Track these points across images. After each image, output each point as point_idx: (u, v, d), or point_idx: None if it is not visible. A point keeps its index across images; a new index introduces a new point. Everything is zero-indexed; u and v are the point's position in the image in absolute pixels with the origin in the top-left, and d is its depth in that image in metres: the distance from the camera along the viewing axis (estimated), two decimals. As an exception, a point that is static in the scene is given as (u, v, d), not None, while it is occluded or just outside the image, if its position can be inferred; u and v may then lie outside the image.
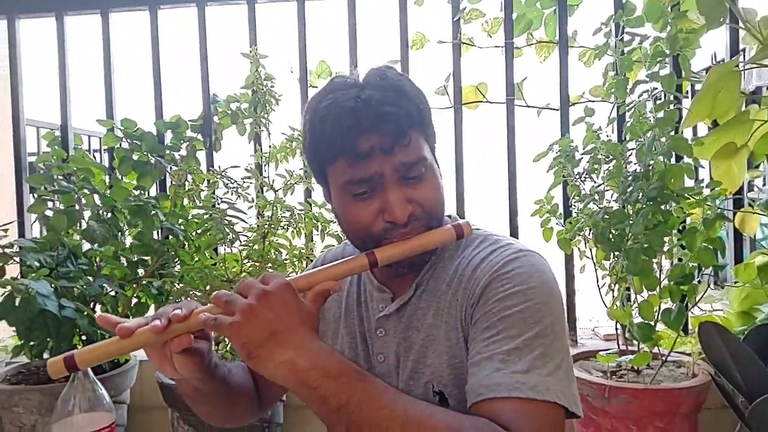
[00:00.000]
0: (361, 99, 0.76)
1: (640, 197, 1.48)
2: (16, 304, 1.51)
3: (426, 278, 0.84)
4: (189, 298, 1.84)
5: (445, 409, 0.66)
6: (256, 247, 1.85)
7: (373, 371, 0.85)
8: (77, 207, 1.85)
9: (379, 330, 0.86)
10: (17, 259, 1.73)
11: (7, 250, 1.66)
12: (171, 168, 2.04)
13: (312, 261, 1.93)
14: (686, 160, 1.67)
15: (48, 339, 1.71)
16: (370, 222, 0.78)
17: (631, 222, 1.50)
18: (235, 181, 1.86)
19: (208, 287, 1.74)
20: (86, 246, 1.95)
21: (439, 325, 0.80)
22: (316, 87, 2.11)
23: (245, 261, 1.87)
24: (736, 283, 1.71)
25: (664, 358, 1.61)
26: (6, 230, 1.68)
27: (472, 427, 0.63)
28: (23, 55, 2.30)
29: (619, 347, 1.74)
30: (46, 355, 1.81)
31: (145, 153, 2.02)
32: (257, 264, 1.86)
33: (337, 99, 0.77)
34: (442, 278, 0.83)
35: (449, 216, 0.90)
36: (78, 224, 1.91)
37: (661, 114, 1.57)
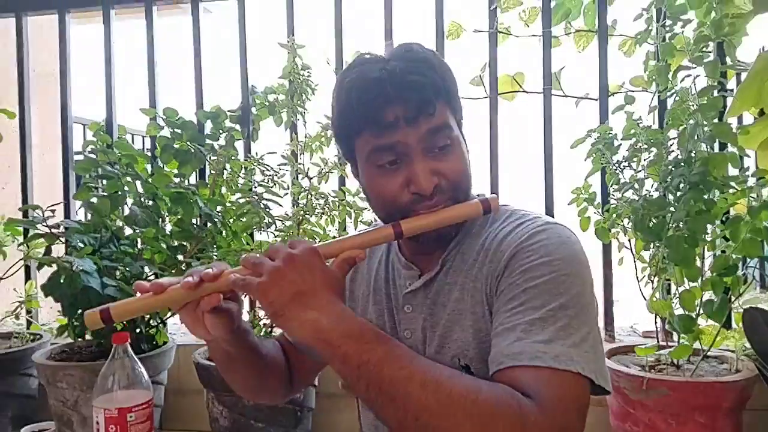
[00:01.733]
0: (386, 70, 0.76)
1: (681, 184, 1.44)
2: (61, 281, 1.57)
3: (452, 254, 0.85)
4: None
5: (464, 374, 0.65)
6: (290, 233, 1.88)
7: None
8: (120, 193, 1.92)
9: (406, 306, 0.87)
10: (63, 239, 1.80)
11: (53, 231, 1.73)
12: (210, 157, 2.09)
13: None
14: (730, 149, 1.62)
15: (90, 318, 1.77)
16: (396, 194, 0.79)
17: (672, 210, 1.46)
18: (271, 168, 1.89)
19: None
20: (128, 232, 2.01)
21: (465, 300, 0.81)
22: (352, 78, 2.13)
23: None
24: (784, 277, 1.64)
25: (705, 351, 1.56)
26: (53, 211, 1.75)
27: (490, 391, 0.62)
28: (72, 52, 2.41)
29: (659, 343, 1.69)
30: (88, 336, 1.87)
31: (185, 142, 2.07)
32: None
33: (363, 71, 0.78)
34: (468, 254, 0.83)
35: (478, 195, 0.89)
36: (121, 209, 1.98)
37: (704, 100, 1.52)
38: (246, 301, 2.03)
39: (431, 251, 0.86)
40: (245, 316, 2.01)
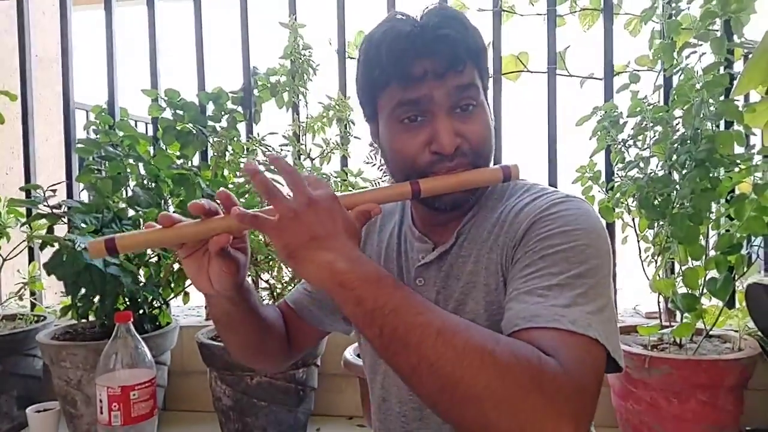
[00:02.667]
0: (418, 24, 0.76)
1: (687, 162, 1.43)
2: (64, 259, 1.57)
3: (468, 227, 0.83)
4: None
5: (482, 327, 0.63)
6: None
7: None
8: (122, 174, 1.92)
9: (418, 279, 0.86)
10: (65, 220, 1.80)
11: (55, 211, 1.73)
12: (212, 138, 2.08)
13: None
14: (736, 127, 1.60)
15: (93, 298, 1.78)
16: (417, 152, 0.77)
17: (677, 188, 1.44)
18: (273, 149, 1.88)
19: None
20: (131, 214, 2.01)
21: (478, 272, 0.79)
22: (353, 58, 2.11)
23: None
24: (789, 257, 1.63)
25: (708, 330, 1.55)
26: (54, 191, 1.75)
27: (510, 343, 0.61)
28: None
29: (661, 323, 1.69)
30: (91, 317, 1.88)
31: (187, 123, 2.07)
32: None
33: (395, 25, 0.77)
34: (483, 226, 0.81)
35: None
36: (123, 191, 1.98)
37: (710, 78, 1.51)
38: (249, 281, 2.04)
39: (445, 221, 0.85)
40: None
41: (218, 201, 0.74)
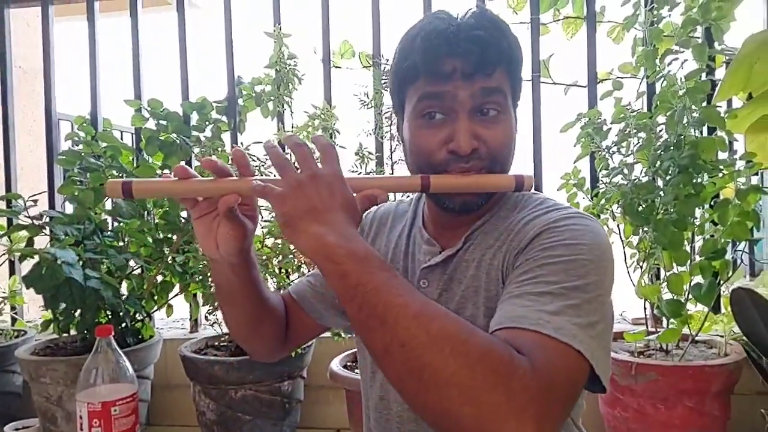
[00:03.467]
0: (455, 24, 0.76)
1: (671, 168, 1.43)
2: (43, 272, 1.54)
3: (476, 233, 0.83)
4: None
5: (460, 318, 0.63)
6: (277, 225, 1.85)
7: None
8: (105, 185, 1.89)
9: (422, 281, 0.85)
10: (46, 231, 1.77)
11: (36, 222, 1.70)
12: (196, 148, 2.06)
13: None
14: (719, 133, 1.61)
15: (74, 312, 1.74)
16: (434, 149, 0.78)
17: (661, 194, 1.45)
18: (258, 158, 1.87)
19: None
20: (113, 225, 1.99)
21: (480, 276, 0.79)
22: (339, 67, 2.11)
23: (267, 237, 1.87)
24: (772, 261, 1.64)
25: (693, 336, 1.55)
26: (35, 201, 1.72)
27: (484, 336, 0.60)
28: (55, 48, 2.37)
29: (647, 329, 1.69)
30: (72, 331, 1.84)
31: (171, 134, 2.05)
32: (278, 241, 1.86)
33: (433, 22, 0.77)
34: (492, 234, 0.81)
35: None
36: (105, 202, 1.95)
37: (692, 84, 1.52)
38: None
39: (455, 225, 0.85)
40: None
41: (233, 162, 0.75)
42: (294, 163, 0.71)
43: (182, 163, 2.09)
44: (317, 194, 0.67)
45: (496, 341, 0.60)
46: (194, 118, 2.14)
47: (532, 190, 0.85)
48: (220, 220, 0.75)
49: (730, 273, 1.49)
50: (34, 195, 1.76)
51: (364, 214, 1.01)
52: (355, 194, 0.72)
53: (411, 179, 0.77)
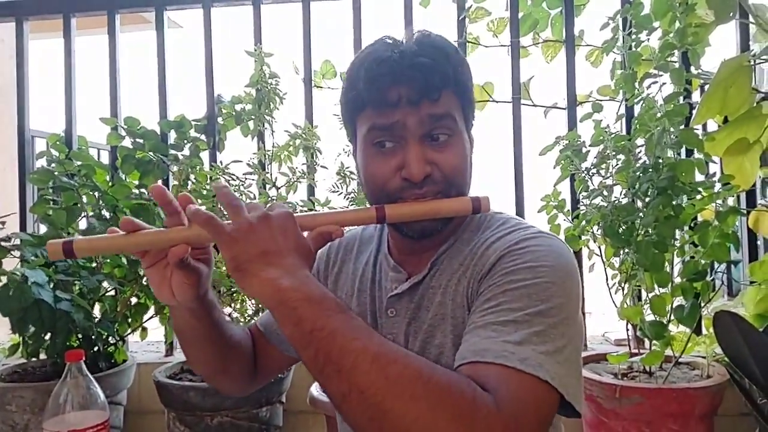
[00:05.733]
0: (398, 51, 0.75)
1: (650, 189, 1.44)
2: (11, 294, 1.48)
3: (441, 258, 0.82)
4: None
5: (421, 357, 0.61)
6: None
7: None
8: (78, 205, 1.84)
9: (389, 310, 0.83)
10: (16, 254, 1.71)
11: (4, 243, 1.64)
12: (174, 167, 2.03)
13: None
14: (697, 155, 1.63)
15: (43, 335, 1.68)
16: (387, 177, 0.77)
17: (641, 215, 1.46)
18: (237, 177, 1.84)
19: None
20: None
21: (446, 303, 0.78)
22: (321, 87, 2.10)
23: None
24: (751, 283, 1.65)
25: (677, 358, 1.55)
26: (4, 223, 1.66)
27: (445, 374, 0.59)
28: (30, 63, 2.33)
29: (630, 350, 1.68)
30: (42, 355, 1.77)
31: (148, 152, 2.01)
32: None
33: (376, 50, 0.77)
34: (456, 258, 0.80)
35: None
36: (78, 222, 1.90)
37: (670, 107, 1.54)
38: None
39: (420, 250, 0.83)
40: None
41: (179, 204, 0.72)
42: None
43: (159, 182, 2.06)
44: (270, 237, 0.65)
45: (457, 380, 0.59)
46: (172, 136, 2.10)
47: (496, 210, 0.84)
48: (172, 268, 0.72)
49: (712, 294, 1.50)
50: (3, 216, 1.70)
51: (328, 244, 1.00)
52: (309, 232, 0.71)
53: (366, 211, 0.76)
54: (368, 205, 0.79)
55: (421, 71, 0.73)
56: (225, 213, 0.68)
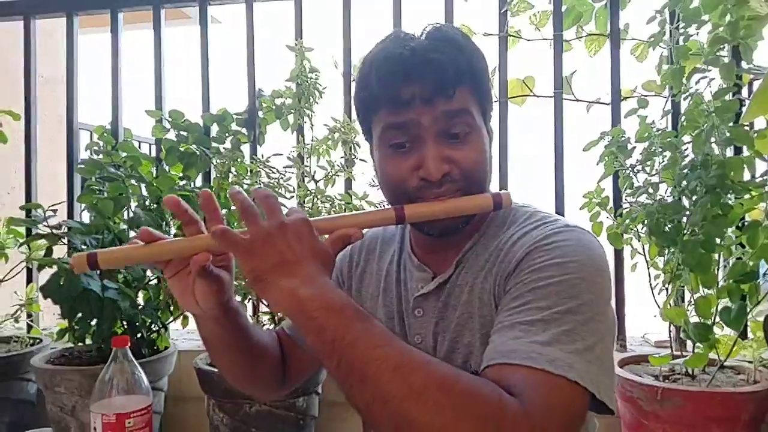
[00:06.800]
0: (409, 47, 0.74)
1: (698, 187, 1.40)
2: (61, 283, 1.54)
3: (467, 256, 0.80)
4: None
5: (444, 362, 0.61)
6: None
7: None
8: (124, 195, 1.89)
9: (417, 310, 0.83)
10: (65, 241, 1.77)
11: (55, 231, 1.70)
12: (215, 160, 2.07)
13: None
14: (746, 153, 1.58)
15: (90, 322, 1.74)
16: (405, 177, 0.76)
17: (687, 213, 1.42)
18: (277, 171, 1.86)
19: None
20: (131, 235, 1.99)
21: (473, 302, 0.77)
22: (359, 81, 2.11)
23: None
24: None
25: (722, 361, 1.51)
26: (55, 211, 1.72)
27: (469, 381, 0.58)
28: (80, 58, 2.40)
29: (672, 353, 1.65)
30: (88, 341, 1.84)
31: (191, 145, 2.05)
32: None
33: (387, 47, 0.76)
34: (482, 255, 0.79)
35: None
36: (124, 212, 1.96)
37: (719, 103, 1.49)
38: (249, 306, 2.01)
39: (444, 248, 0.82)
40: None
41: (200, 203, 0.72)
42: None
43: (198, 176, 2.11)
44: (286, 245, 0.65)
45: (482, 385, 0.58)
46: (214, 129, 2.14)
47: (521, 203, 0.83)
48: (195, 277, 0.73)
49: (761, 297, 1.45)
50: (54, 205, 1.76)
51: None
52: (327, 236, 0.70)
53: (385, 213, 0.74)
54: (387, 206, 0.77)
55: (434, 68, 0.72)
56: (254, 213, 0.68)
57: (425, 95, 0.73)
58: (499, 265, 0.75)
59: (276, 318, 1.83)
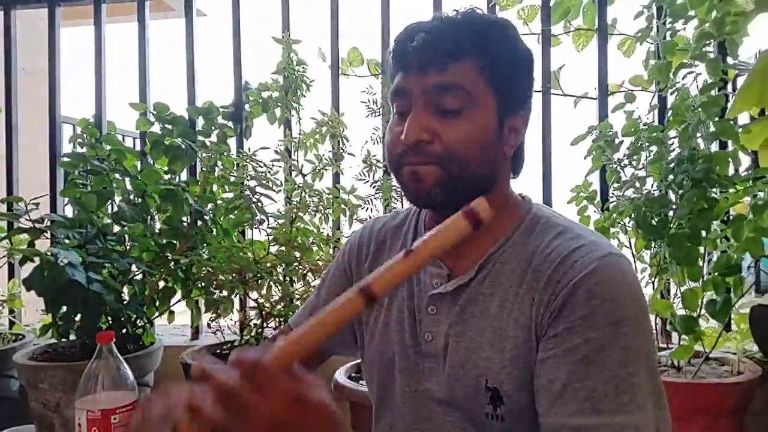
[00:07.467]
0: (431, 20, 0.74)
1: (684, 181, 1.42)
2: (45, 274, 1.51)
3: (491, 260, 0.76)
4: (216, 282, 1.83)
5: None
6: (283, 231, 1.83)
7: (419, 349, 0.79)
8: (108, 189, 1.87)
9: (430, 307, 0.79)
10: (47, 235, 1.74)
11: (37, 225, 1.67)
12: (201, 153, 2.04)
13: (338, 248, 1.92)
14: (731, 148, 1.60)
15: (74, 317, 1.71)
16: (394, 143, 0.76)
17: (674, 207, 1.43)
18: (264, 164, 1.85)
19: (236, 267, 1.72)
20: (116, 229, 1.96)
21: (504, 319, 0.72)
22: (348, 75, 2.09)
23: (272, 244, 1.85)
24: (785, 279, 1.62)
25: (707, 353, 1.53)
26: (37, 204, 1.69)
27: None
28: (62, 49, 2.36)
29: (658, 344, 1.66)
30: (72, 336, 1.81)
31: (176, 138, 2.03)
32: (283, 248, 1.83)
33: (420, 21, 0.76)
34: (510, 266, 0.74)
35: (522, 197, 0.82)
36: (108, 206, 1.93)
37: (705, 98, 1.51)
38: (236, 300, 1.99)
39: (462, 244, 0.79)
40: (236, 315, 1.96)
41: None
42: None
43: (184, 170, 2.08)
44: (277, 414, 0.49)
45: None
46: (200, 122, 2.12)
47: (541, 206, 0.80)
48: None
49: (745, 290, 1.47)
50: (36, 198, 1.73)
51: (358, 235, 0.95)
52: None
53: (350, 302, 0.53)
54: (349, 294, 0.55)
55: (435, 37, 0.71)
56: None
57: (422, 65, 0.72)
58: (541, 292, 0.70)
59: (263, 313, 1.82)
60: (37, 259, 1.59)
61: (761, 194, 1.57)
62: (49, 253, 1.53)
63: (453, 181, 0.73)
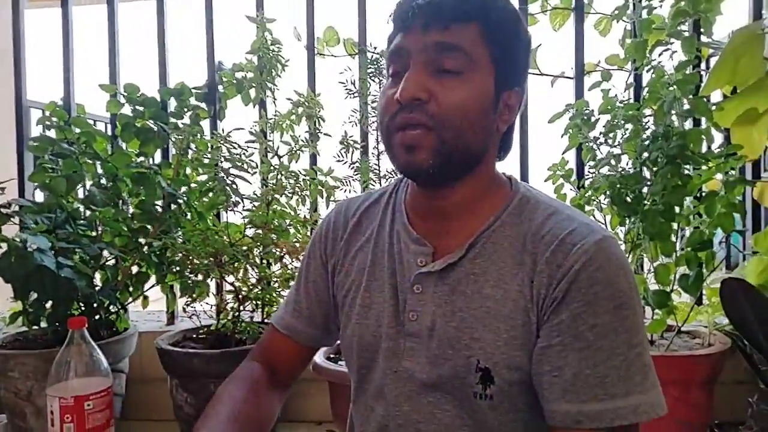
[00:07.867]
0: None
1: (659, 158, 1.43)
2: (13, 260, 1.47)
3: (481, 239, 0.74)
4: (191, 266, 1.80)
5: None
6: (259, 214, 1.81)
7: (401, 329, 0.77)
8: (78, 173, 1.82)
9: (416, 286, 0.77)
10: (15, 220, 1.69)
11: (4, 210, 1.62)
12: (174, 135, 2.00)
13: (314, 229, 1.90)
14: (704, 125, 1.62)
15: (45, 302, 1.67)
16: (388, 102, 0.72)
17: (648, 184, 1.45)
18: (239, 146, 1.81)
19: (212, 251, 1.70)
20: (87, 214, 1.91)
21: (500, 301, 0.71)
22: (324, 55, 2.06)
23: (248, 227, 1.82)
24: (754, 253, 1.65)
25: (679, 327, 1.56)
26: (3, 189, 1.64)
27: None
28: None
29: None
30: (43, 324, 1.77)
31: (148, 120, 1.98)
32: (260, 231, 1.81)
33: None
34: (502, 246, 0.73)
35: (508, 176, 0.81)
36: (78, 190, 1.88)
37: (680, 76, 1.52)
38: (213, 283, 1.97)
39: (443, 220, 0.77)
40: (212, 299, 1.93)
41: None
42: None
43: (157, 152, 2.04)
44: None
45: None
46: (172, 104, 2.07)
47: (528, 185, 0.80)
48: None
49: (717, 264, 1.50)
50: (2, 183, 1.67)
51: (331, 220, 0.91)
52: None
53: None
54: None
55: None
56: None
57: (424, 21, 0.70)
58: (539, 275, 0.70)
59: (240, 296, 1.80)
60: (4, 245, 1.54)
61: (733, 171, 1.60)
62: (18, 239, 1.49)
63: (448, 150, 0.71)
